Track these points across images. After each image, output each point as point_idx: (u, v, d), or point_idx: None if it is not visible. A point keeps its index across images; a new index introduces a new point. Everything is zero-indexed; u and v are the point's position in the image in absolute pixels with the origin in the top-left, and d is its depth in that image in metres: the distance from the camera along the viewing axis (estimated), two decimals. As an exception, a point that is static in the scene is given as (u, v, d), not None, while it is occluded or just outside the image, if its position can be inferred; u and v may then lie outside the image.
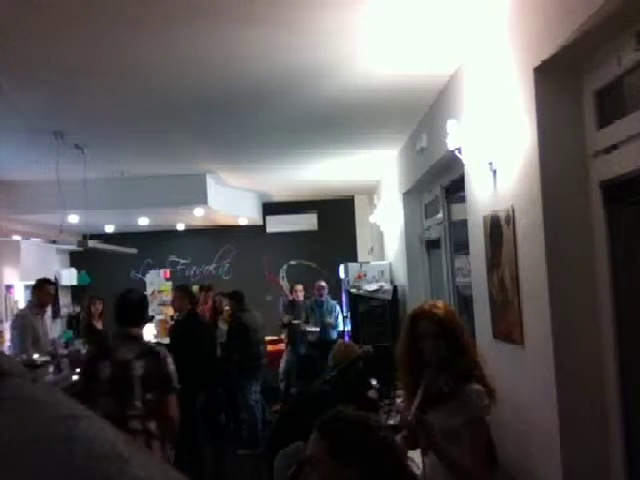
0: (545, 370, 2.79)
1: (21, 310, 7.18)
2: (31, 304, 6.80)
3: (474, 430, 2.47)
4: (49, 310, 9.01)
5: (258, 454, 6.46)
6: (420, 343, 2.63)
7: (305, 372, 4.74)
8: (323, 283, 8.78)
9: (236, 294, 7.43)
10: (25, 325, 6.41)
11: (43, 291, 6.66)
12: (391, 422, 3.94)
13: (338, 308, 8.70)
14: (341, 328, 8.60)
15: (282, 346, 8.87)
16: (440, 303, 2.78)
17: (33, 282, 6.81)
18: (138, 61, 3.91)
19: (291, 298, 9.08)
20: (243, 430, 7.17)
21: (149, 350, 3.83)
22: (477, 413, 2.48)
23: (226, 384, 7.28)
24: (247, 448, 6.80)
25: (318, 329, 8.41)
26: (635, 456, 2.52)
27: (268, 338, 8.04)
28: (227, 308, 7.90)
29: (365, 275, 7.97)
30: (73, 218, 7.36)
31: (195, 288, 8.66)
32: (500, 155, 3.32)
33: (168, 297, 9.57)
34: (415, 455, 3.02)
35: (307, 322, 8.50)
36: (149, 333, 8.28)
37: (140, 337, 3.96)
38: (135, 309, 3.90)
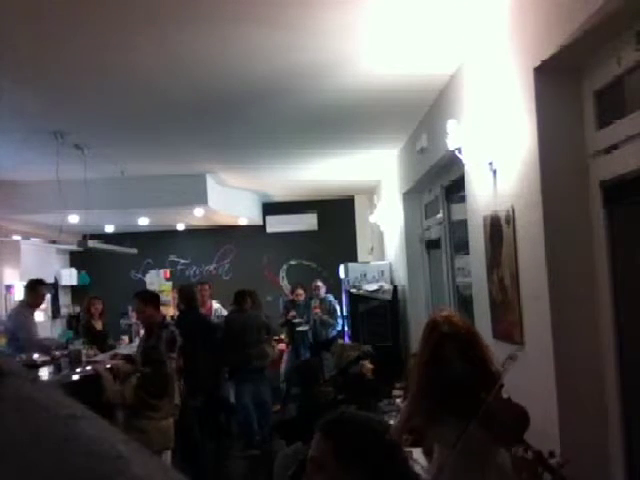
0: (545, 370, 2.79)
1: (15, 308, 7.06)
2: (23, 304, 6.69)
3: None
4: (49, 310, 9.04)
5: (254, 454, 6.48)
6: (448, 366, 2.55)
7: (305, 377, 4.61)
8: (319, 283, 8.74)
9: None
10: (25, 316, 6.40)
11: (35, 293, 6.57)
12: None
13: (337, 307, 8.66)
14: (339, 328, 8.56)
15: (283, 346, 8.86)
16: (456, 319, 2.65)
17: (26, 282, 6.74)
18: (138, 61, 3.91)
19: (291, 298, 9.07)
20: (241, 430, 7.18)
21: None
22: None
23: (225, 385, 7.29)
24: (246, 448, 6.80)
25: (307, 328, 8.41)
26: (635, 455, 2.52)
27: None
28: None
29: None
30: (73, 218, 7.35)
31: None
32: (500, 155, 3.32)
33: (168, 297, 9.59)
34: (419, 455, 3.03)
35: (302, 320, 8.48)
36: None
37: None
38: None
